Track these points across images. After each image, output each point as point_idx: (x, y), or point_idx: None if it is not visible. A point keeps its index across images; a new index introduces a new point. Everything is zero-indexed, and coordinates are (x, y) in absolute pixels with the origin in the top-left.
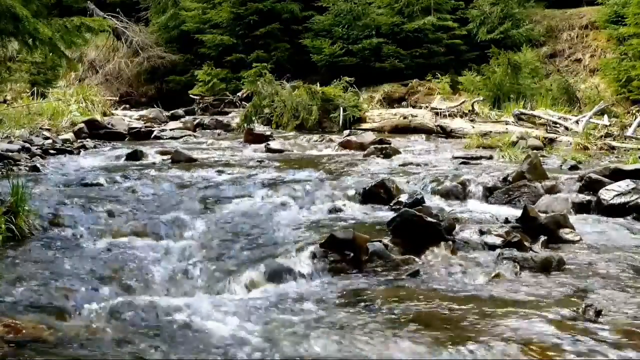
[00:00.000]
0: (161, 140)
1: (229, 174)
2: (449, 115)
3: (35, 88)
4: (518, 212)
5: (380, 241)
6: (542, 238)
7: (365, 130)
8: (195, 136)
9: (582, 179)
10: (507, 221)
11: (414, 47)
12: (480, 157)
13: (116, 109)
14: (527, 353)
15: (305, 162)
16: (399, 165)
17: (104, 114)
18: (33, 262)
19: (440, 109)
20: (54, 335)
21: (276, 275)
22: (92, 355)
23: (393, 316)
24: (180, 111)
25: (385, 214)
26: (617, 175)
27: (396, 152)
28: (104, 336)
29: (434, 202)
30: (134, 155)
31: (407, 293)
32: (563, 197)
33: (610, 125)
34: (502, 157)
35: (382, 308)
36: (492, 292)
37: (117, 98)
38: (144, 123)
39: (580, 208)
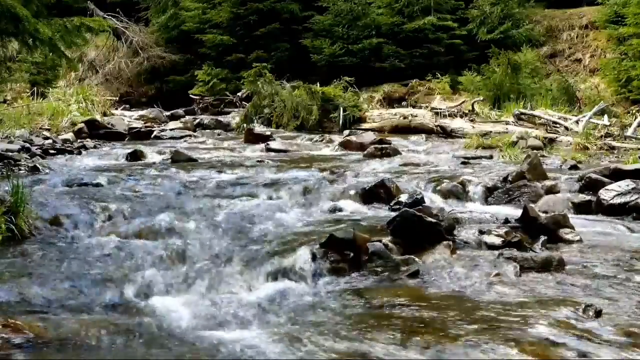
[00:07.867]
0: (161, 140)
1: (229, 174)
2: (449, 115)
3: (35, 88)
4: (518, 212)
5: (380, 241)
6: (542, 238)
7: (365, 130)
8: (195, 136)
9: (582, 179)
10: (507, 221)
11: (414, 47)
12: (480, 157)
13: (116, 109)
14: (527, 353)
15: (305, 162)
16: (399, 165)
17: (104, 114)
18: (33, 262)
19: (440, 109)
20: (54, 335)
21: (276, 276)
22: (92, 355)
23: (393, 316)
24: (180, 111)
25: (385, 214)
26: (617, 175)
27: (396, 152)
28: (104, 337)
29: (434, 202)
30: (134, 155)
31: (407, 293)
32: (563, 197)
33: (610, 125)
34: (502, 157)
35: (382, 308)
36: (492, 292)
37: (117, 98)
38: (144, 123)
39: (580, 208)
